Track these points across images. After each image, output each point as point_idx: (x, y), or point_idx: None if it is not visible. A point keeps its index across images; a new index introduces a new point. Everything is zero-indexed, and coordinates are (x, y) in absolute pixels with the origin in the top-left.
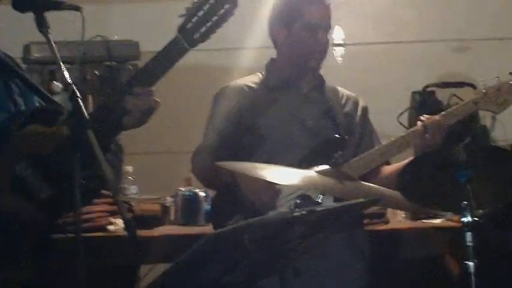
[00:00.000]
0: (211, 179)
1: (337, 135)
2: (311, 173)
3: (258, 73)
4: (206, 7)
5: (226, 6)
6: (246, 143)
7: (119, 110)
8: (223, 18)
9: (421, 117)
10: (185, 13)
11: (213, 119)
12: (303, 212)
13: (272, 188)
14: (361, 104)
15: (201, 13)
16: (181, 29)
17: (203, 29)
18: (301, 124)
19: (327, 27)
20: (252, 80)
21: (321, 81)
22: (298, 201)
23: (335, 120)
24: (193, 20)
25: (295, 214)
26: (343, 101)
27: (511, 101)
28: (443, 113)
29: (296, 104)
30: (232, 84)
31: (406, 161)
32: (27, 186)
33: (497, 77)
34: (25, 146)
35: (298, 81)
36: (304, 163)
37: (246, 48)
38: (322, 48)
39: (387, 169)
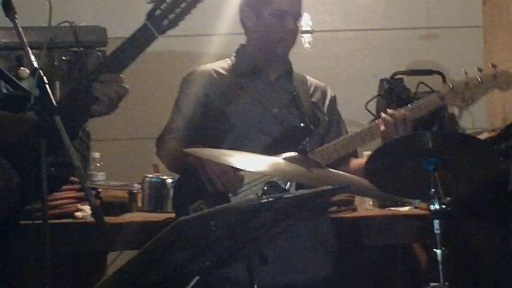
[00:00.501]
0: (176, 163)
1: (302, 124)
2: (278, 159)
3: (227, 59)
4: None
5: None
6: (212, 128)
7: (87, 97)
8: (192, 5)
9: (386, 111)
10: None
11: (180, 102)
12: (271, 199)
13: (236, 174)
14: (329, 93)
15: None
16: (150, 15)
17: (172, 16)
18: (267, 111)
19: (297, 15)
20: (221, 65)
21: (289, 68)
22: (265, 187)
23: (301, 108)
24: (162, 6)
25: (263, 201)
26: (311, 90)
27: (477, 96)
28: (409, 106)
29: (263, 91)
30: (200, 69)
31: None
32: None
33: (464, 71)
34: None
35: (266, 68)
36: (269, 150)
37: (214, 35)
38: (290, 35)
39: (356, 162)
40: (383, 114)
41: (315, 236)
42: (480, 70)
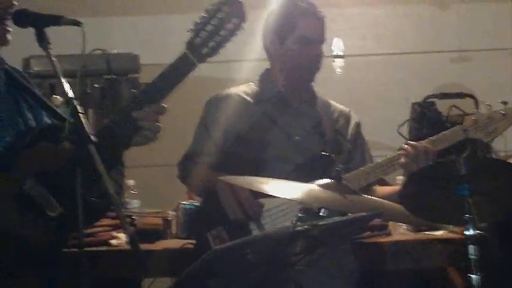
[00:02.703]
0: (204, 188)
1: (324, 153)
2: (313, 186)
3: (251, 83)
4: (215, 21)
5: (235, 20)
6: (235, 154)
7: (129, 127)
8: (232, 33)
9: (407, 144)
10: (193, 28)
11: (207, 125)
12: (306, 227)
13: (256, 201)
14: (353, 119)
15: (209, 28)
16: (190, 44)
17: (211, 44)
18: (289, 139)
19: (321, 41)
20: (244, 90)
21: (312, 95)
22: (300, 214)
23: (324, 136)
24: (202, 34)
25: (298, 228)
26: (335, 116)
27: (500, 130)
28: (431, 138)
29: (285, 118)
30: (224, 93)
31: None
32: (36, 204)
33: (488, 105)
34: (34, 164)
35: (290, 94)
36: (290, 178)
37: (244, 60)
38: (315, 61)
39: (380, 190)
40: (404, 146)
41: (332, 261)
42: (505, 103)
